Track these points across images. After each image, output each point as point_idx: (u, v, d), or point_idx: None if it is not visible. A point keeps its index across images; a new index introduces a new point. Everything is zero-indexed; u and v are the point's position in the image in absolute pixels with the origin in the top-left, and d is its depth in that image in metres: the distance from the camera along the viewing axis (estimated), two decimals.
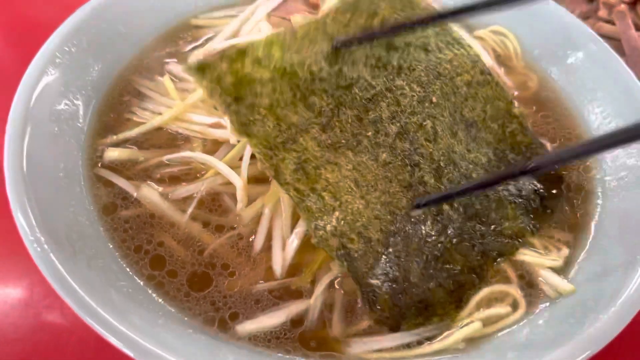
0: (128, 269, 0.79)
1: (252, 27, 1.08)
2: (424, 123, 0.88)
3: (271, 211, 0.85)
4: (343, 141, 0.81)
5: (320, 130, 0.81)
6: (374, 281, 0.76)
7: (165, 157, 0.92)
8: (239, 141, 0.89)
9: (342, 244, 0.76)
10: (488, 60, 1.15)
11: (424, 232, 0.80)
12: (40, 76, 0.91)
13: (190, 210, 0.86)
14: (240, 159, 0.88)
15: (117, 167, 0.91)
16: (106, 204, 0.87)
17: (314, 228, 0.76)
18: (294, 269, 0.82)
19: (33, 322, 0.90)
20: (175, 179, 0.91)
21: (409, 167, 0.84)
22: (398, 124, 0.86)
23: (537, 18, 1.20)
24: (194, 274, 0.81)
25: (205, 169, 0.91)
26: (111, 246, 0.82)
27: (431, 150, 0.87)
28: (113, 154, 0.92)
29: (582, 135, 1.09)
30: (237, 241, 0.85)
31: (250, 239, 0.85)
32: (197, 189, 0.88)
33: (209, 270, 0.82)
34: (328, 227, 0.76)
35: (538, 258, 0.85)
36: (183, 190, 0.88)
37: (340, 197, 0.78)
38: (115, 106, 1.00)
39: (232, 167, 0.87)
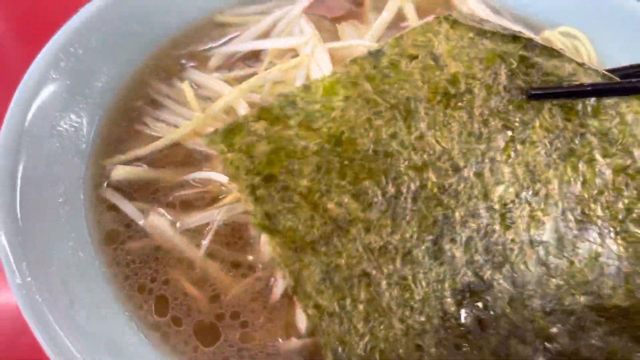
0: (134, 323, 0.66)
1: (287, 26, 0.93)
2: (527, 246, 0.61)
3: None
4: (391, 247, 0.61)
5: (364, 230, 0.60)
6: None
7: (182, 178, 0.79)
8: None
9: None
10: None
11: None
12: (41, 83, 0.78)
13: (205, 243, 0.73)
14: None
15: (124, 189, 0.79)
16: (110, 235, 0.74)
17: (332, 356, 0.57)
18: None
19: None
20: (188, 205, 0.77)
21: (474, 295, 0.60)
22: (478, 235, 0.62)
23: (614, 17, 1.03)
24: (208, 324, 0.68)
25: (225, 194, 0.77)
26: (115, 289, 0.69)
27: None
28: (121, 172, 0.79)
29: None
30: (254, 283, 0.71)
31: (270, 284, 0.71)
32: (213, 217, 0.74)
33: (221, 321, 0.69)
34: (353, 358, 0.57)
35: None
36: (197, 217, 0.75)
37: (373, 319, 0.59)
38: (126, 116, 0.87)
39: None
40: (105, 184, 0.79)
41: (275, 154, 0.61)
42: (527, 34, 0.94)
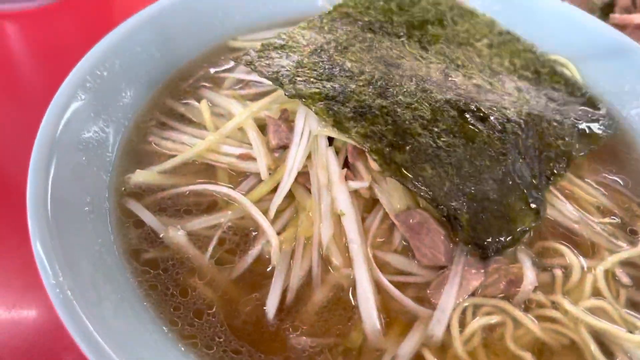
0: (158, 319, 0.72)
1: None
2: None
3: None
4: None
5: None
6: (454, 203, 0.77)
7: (193, 187, 0.86)
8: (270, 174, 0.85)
9: (416, 174, 0.77)
10: None
11: (492, 152, 0.83)
12: (70, 101, 0.85)
13: (210, 248, 0.79)
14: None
15: (142, 194, 0.86)
16: (134, 244, 0.80)
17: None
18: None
19: None
20: (197, 211, 0.85)
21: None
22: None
23: (605, 49, 1.09)
24: (230, 326, 0.73)
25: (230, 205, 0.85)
26: (139, 292, 0.74)
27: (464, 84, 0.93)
28: (139, 176, 0.86)
29: None
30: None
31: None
32: (218, 220, 0.83)
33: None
34: (398, 158, 0.77)
35: (627, 334, 0.73)
36: (203, 220, 0.83)
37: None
38: (146, 134, 0.94)
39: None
40: (125, 193, 0.85)
41: None
42: None
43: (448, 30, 1.02)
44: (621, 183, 0.94)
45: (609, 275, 0.80)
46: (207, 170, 0.89)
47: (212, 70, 1.06)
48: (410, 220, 0.79)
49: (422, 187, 0.76)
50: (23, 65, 1.34)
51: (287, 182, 0.82)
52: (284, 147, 0.86)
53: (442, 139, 0.80)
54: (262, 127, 0.90)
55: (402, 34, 0.99)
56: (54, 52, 1.30)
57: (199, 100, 0.97)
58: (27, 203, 0.72)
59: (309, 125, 0.83)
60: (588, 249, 0.83)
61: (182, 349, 0.70)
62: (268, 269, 0.78)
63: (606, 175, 0.95)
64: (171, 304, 0.74)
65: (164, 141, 0.93)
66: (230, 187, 0.85)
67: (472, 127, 0.83)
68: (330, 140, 0.84)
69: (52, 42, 1.35)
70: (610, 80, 1.08)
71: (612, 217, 0.88)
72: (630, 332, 0.73)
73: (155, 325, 0.71)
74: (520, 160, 0.85)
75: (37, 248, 0.68)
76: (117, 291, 0.72)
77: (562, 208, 0.87)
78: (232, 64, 1.07)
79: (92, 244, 0.76)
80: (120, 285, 0.74)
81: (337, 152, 0.84)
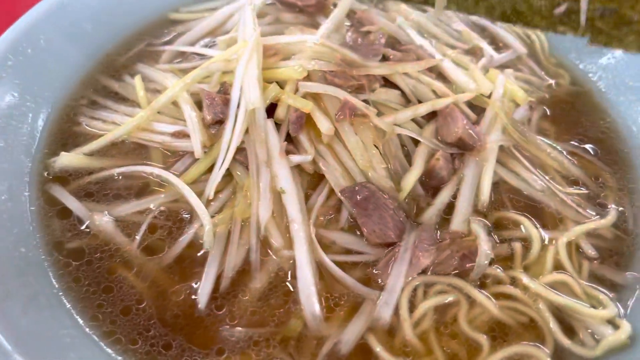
0: (77, 315, 0.66)
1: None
2: None
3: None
4: None
5: None
6: None
7: (122, 170, 0.79)
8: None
9: None
10: (521, 49, 1.01)
11: None
12: None
13: (141, 234, 0.73)
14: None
15: (67, 179, 0.78)
16: (57, 234, 0.73)
17: None
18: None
19: None
20: (127, 195, 0.78)
21: None
22: None
23: None
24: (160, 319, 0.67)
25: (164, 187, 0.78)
26: (59, 285, 0.68)
27: None
28: (64, 160, 0.79)
29: (618, 129, 0.92)
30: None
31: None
32: (148, 204, 0.76)
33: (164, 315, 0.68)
34: None
35: (589, 310, 0.67)
36: (133, 204, 0.76)
37: None
38: (76, 115, 0.87)
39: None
40: (49, 178, 0.78)
41: None
42: None
43: None
44: (591, 152, 0.88)
45: (572, 247, 0.74)
46: (139, 150, 0.82)
47: (150, 45, 0.99)
48: (357, 196, 0.73)
49: None
50: None
51: (224, 161, 0.75)
52: (220, 122, 0.79)
53: None
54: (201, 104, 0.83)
55: None
56: None
57: (133, 77, 0.90)
58: None
59: (245, 97, 0.76)
60: (553, 220, 0.77)
61: (104, 345, 0.64)
62: (199, 254, 0.72)
63: (575, 143, 0.89)
64: (94, 298, 0.68)
65: (95, 121, 0.86)
66: (163, 168, 0.79)
67: None
68: (269, 112, 0.77)
69: None
70: (574, 39, 1.02)
71: (580, 187, 0.82)
72: (594, 307, 0.68)
73: (73, 321, 0.65)
74: None
75: None
76: (32, 285, 0.66)
77: (526, 176, 0.80)
78: (171, 36, 1.00)
79: (6, 234, 0.69)
80: (37, 278, 0.67)
81: (277, 125, 0.77)
